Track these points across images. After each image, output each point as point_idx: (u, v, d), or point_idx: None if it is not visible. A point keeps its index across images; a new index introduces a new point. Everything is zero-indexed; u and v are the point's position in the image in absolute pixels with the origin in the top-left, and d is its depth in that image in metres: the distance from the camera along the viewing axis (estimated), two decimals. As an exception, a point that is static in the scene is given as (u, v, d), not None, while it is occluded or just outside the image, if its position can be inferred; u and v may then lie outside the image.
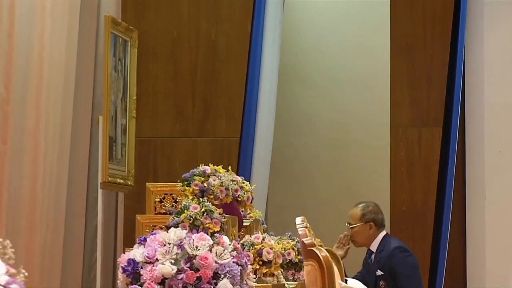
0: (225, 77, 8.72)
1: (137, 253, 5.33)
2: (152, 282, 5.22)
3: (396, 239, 7.75)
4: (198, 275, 5.24)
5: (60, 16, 7.84)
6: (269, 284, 6.42)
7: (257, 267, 6.47)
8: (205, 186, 6.70)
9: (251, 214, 7.12)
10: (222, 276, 5.27)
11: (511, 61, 9.26)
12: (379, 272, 7.56)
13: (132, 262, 5.31)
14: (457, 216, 9.07)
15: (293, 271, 6.76)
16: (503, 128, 9.22)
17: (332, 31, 10.99)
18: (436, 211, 8.87)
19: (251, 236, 6.68)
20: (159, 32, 8.75)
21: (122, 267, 5.32)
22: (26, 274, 3.03)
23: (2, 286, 2.82)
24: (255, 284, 5.99)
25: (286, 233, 6.88)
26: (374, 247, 7.69)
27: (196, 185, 6.70)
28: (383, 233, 7.73)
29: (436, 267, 8.78)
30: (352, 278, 7.04)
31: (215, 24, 8.76)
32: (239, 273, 5.35)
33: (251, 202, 6.99)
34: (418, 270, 7.60)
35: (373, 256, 7.68)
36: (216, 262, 5.28)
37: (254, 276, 6.18)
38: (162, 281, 5.23)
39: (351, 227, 7.75)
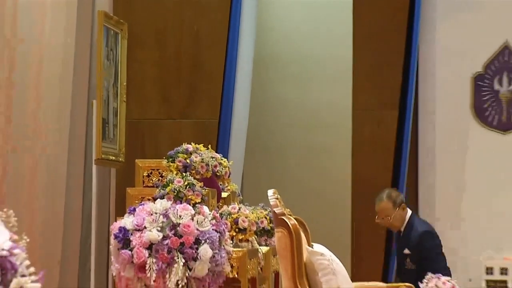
0: (207, 66, 8.73)
1: (127, 221, 5.34)
2: (140, 247, 5.23)
3: (422, 220, 7.64)
4: (181, 241, 5.25)
5: (59, 10, 7.83)
6: (244, 249, 6.44)
7: (234, 234, 6.48)
8: (188, 162, 6.71)
9: (229, 187, 7.14)
10: (203, 242, 5.29)
11: (460, 51, 9.32)
12: (406, 251, 7.49)
13: (123, 229, 5.32)
14: (412, 185, 9.13)
15: (266, 238, 6.79)
16: (451, 109, 9.29)
17: (302, 24, 11.01)
18: (393, 182, 8.92)
19: (228, 207, 6.69)
20: (147, 24, 8.74)
21: (114, 234, 5.33)
22: (28, 240, 3.05)
23: (6, 250, 2.83)
24: (232, 249, 6.02)
25: (260, 204, 6.90)
26: (403, 227, 7.61)
27: (180, 161, 6.71)
28: (409, 212, 7.59)
29: (391, 235, 8.81)
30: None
31: (197, 17, 8.76)
32: (218, 239, 5.37)
33: (229, 177, 7.00)
34: (442, 251, 7.50)
35: (401, 235, 7.59)
36: (197, 229, 5.30)
37: (231, 242, 6.21)
38: (150, 246, 5.24)
39: (386, 218, 7.54)
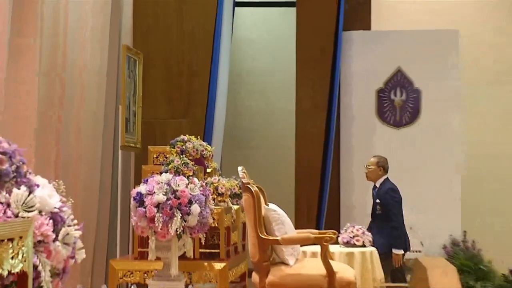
0: (197, 82, 8.69)
1: (142, 188, 5.31)
2: (151, 206, 5.20)
3: (391, 182, 7.64)
4: (179, 201, 5.23)
5: (96, 42, 7.77)
6: (222, 207, 6.43)
7: (215, 197, 6.47)
8: (184, 148, 6.68)
9: (212, 165, 7.12)
10: (194, 202, 5.27)
11: (368, 72, 9.35)
12: (377, 200, 7.54)
13: (139, 194, 5.29)
14: (335, 166, 9.14)
15: (237, 199, 6.78)
16: (363, 112, 9.32)
17: (261, 52, 11.01)
18: (323, 163, 8.93)
19: (211, 178, 6.68)
20: (157, 51, 8.69)
21: (133, 197, 5.30)
22: (73, 201, 3.02)
23: (57, 208, 2.80)
24: (214, 207, 6.00)
25: (233, 176, 6.89)
26: (378, 183, 7.58)
27: (178, 147, 6.68)
28: (385, 176, 7.64)
29: (322, 198, 8.82)
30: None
31: (191, 49, 8.73)
32: (204, 201, 5.35)
33: (212, 158, 6.98)
34: (400, 203, 7.51)
35: (376, 189, 7.65)
36: (190, 194, 5.28)
37: (213, 202, 6.19)
38: (157, 205, 5.21)
39: (369, 168, 7.67)
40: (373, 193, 7.71)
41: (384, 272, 7.12)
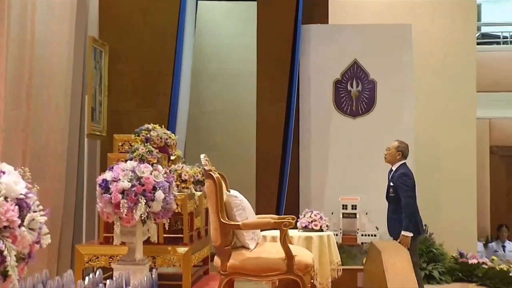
0: (162, 74, 8.64)
1: (108, 175, 5.27)
2: (116, 192, 5.16)
3: (406, 167, 7.48)
4: (144, 188, 5.20)
5: (63, 34, 7.67)
6: (185, 194, 6.40)
7: (178, 183, 6.45)
8: (148, 136, 6.63)
9: (175, 153, 7.09)
10: (158, 188, 5.24)
11: (326, 64, 9.38)
12: (391, 184, 7.43)
13: (105, 180, 5.25)
14: (295, 154, 9.16)
15: (200, 186, 6.76)
16: (321, 102, 9.35)
17: (224, 47, 10.98)
18: (283, 151, 8.94)
19: (175, 166, 6.64)
20: (123, 44, 8.61)
21: (98, 183, 5.26)
22: (38, 187, 2.97)
23: (23, 194, 2.76)
24: (177, 193, 5.97)
25: (196, 164, 6.86)
26: (394, 167, 7.44)
27: (143, 135, 6.64)
28: (403, 161, 7.45)
29: (282, 185, 8.84)
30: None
31: (155, 41, 8.66)
32: (168, 187, 5.32)
33: (175, 146, 6.95)
34: (413, 188, 7.37)
35: (392, 172, 7.54)
36: (154, 180, 5.25)
37: (177, 188, 6.16)
38: (123, 191, 5.18)
39: (388, 151, 7.51)
40: (389, 176, 7.68)
41: None
